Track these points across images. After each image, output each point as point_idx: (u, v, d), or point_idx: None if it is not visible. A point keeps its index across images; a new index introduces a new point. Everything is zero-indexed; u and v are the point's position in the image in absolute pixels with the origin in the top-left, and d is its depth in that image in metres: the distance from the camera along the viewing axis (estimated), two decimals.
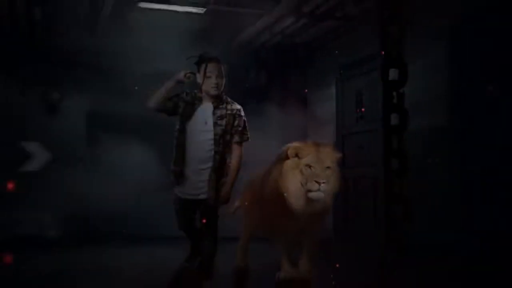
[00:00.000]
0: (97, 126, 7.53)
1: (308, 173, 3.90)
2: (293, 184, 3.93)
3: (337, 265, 4.77)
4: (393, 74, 6.26)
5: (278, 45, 7.99)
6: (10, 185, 7.02)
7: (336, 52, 7.28)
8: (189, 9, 6.59)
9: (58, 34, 7.01)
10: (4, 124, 7.26)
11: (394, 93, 5.67)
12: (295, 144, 4.03)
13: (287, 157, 4.02)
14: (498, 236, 4.96)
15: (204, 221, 3.97)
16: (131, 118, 7.15)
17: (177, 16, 6.70)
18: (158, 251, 6.01)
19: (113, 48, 7.04)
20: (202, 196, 3.92)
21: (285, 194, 3.96)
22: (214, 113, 3.93)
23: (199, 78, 3.95)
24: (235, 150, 3.97)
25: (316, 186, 3.83)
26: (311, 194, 3.86)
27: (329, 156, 3.98)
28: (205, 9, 6.60)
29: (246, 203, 4.75)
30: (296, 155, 3.98)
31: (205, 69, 3.90)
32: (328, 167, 3.94)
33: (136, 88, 6.45)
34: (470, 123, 5.48)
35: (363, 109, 7.19)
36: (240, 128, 3.97)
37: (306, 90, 7.89)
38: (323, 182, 3.84)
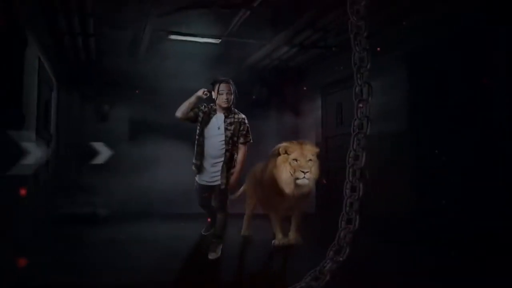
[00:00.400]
0: (137, 130, 7.66)
1: (295, 165, 4.14)
2: (284, 174, 4.17)
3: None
4: (362, 90, 6.40)
5: (276, 67, 8.03)
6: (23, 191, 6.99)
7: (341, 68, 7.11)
8: (208, 40, 6.64)
9: (108, 60, 7.14)
10: (68, 129, 7.45)
11: (363, 105, 5.75)
12: (284, 144, 4.26)
13: (279, 154, 4.25)
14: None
15: (217, 200, 4.13)
16: (163, 125, 7.18)
17: (199, 46, 6.78)
18: (186, 225, 6.02)
19: (149, 71, 7.21)
20: (216, 183, 4.05)
21: (278, 181, 4.21)
22: (225, 121, 4.05)
23: (214, 95, 4.08)
24: (241, 149, 4.08)
25: (302, 175, 4.09)
26: (298, 181, 4.12)
27: (310, 151, 4.21)
28: (220, 40, 6.65)
29: (250, 188, 4.94)
30: (286, 152, 4.22)
31: (218, 88, 4.02)
32: (310, 160, 4.17)
33: (137, 91, 6.48)
34: (423, 129, 5.51)
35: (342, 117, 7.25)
36: (244, 132, 4.08)
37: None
38: (307, 172, 4.10)
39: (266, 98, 8.23)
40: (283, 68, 8.06)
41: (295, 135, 7.57)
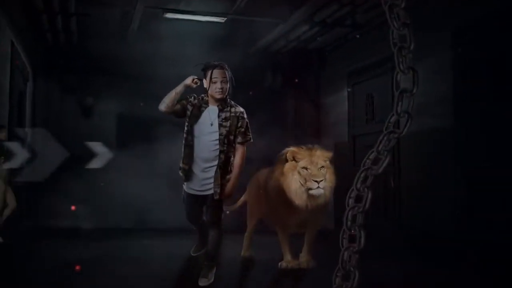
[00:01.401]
0: (126, 127, 7.66)
1: (305, 174, 4.15)
2: (293, 184, 4.18)
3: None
4: (402, 80, 6.23)
5: (293, 51, 7.98)
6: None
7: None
8: (211, 18, 6.61)
9: (93, 43, 7.16)
10: (46, 126, 7.42)
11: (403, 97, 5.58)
12: (292, 148, 4.26)
13: (286, 160, 4.25)
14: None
15: (210, 214, 3.97)
16: (158, 120, 7.12)
17: (200, 25, 6.75)
18: (172, 241, 6.05)
19: (142, 56, 7.19)
20: (208, 192, 3.90)
21: (287, 192, 4.16)
22: (219, 115, 3.89)
23: (205, 83, 3.93)
24: (238, 150, 3.93)
25: (315, 184, 4.11)
26: (312, 191, 4.12)
27: (322, 157, 4.22)
28: (225, 19, 6.62)
29: (252, 198, 4.86)
30: (293, 159, 4.22)
31: (211, 75, 3.87)
32: (322, 167, 4.17)
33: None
34: (473, 124, 5.37)
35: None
36: (243, 129, 3.92)
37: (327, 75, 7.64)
38: (321, 180, 4.11)
39: (280, 87, 8.17)
40: (301, 51, 8.01)
41: (315, 134, 7.51)
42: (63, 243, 5.93)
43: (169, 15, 6.50)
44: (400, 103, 3.04)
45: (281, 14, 6.54)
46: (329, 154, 4.28)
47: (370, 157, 3.13)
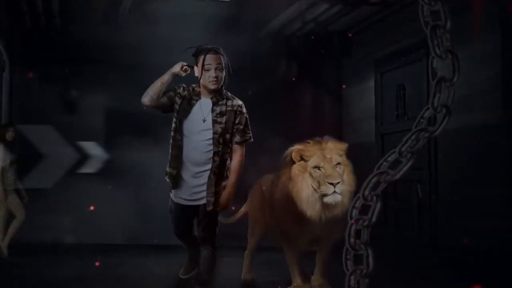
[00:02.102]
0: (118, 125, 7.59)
1: (318, 175, 3.93)
2: (304, 190, 3.96)
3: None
4: (440, 66, 6.06)
5: (311, 34, 7.91)
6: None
7: None
8: None
9: (77, 28, 7.16)
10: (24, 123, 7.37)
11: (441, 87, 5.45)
12: (297, 146, 4.08)
13: (292, 161, 4.06)
14: None
15: (202, 228, 3.88)
16: (153, 117, 7.17)
17: (201, 5, 6.68)
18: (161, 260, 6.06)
19: (134, 42, 7.13)
20: (200, 202, 3.82)
21: (297, 201, 3.96)
22: (213, 110, 3.80)
23: (197, 71, 3.84)
24: (236, 151, 3.84)
25: (331, 188, 3.85)
26: (326, 199, 3.88)
27: (335, 151, 4.01)
28: None
29: (254, 210, 4.77)
30: (302, 158, 4.02)
31: (204, 61, 3.77)
32: (338, 164, 3.95)
33: (145, 108, 6.48)
34: None
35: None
36: (241, 127, 3.83)
37: (344, 86, 7.61)
38: (338, 182, 3.85)
39: (296, 76, 8.05)
40: (320, 34, 7.91)
41: (336, 132, 7.35)
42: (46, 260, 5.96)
43: None
44: (437, 95, 2.83)
45: None
46: (344, 146, 4.05)
47: (389, 159, 2.92)
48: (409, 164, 2.85)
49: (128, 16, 7.10)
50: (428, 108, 2.91)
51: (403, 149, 2.92)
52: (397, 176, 2.92)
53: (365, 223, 2.93)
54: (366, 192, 2.95)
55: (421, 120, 2.89)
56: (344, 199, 3.89)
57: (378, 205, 2.94)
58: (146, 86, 7.38)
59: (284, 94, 7.42)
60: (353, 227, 2.91)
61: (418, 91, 6.68)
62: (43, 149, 7.25)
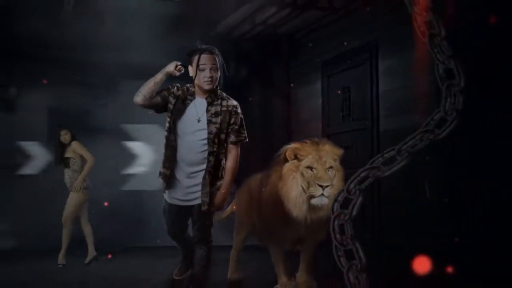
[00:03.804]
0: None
1: (309, 175, 3.94)
2: (293, 189, 3.97)
3: None
4: (385, 68, 6.39)
5: (260, 36, 7.99)
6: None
7: None
8: None
9: (17, 22, 6.77)
10: None
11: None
12: (293, 145, 4.06)
13: (286, 160, 4.05)
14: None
15: (196, 228, 3.86)
16: (96, 114, 7.13)
17: (150, 2, 6.59)
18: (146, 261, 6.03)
19: (78, 38, 6.98)
20: (195, 202, 3.81)
21: (284, 201, 3.97)
22: (208, 110, 3.79)
23: (191, 71, 3.81)
24: (231, 151, 3.85)
25: (319, 190, 3.86)
26: (314, 200, 3.89)
27: (331, 155, 4.01)
28: None
29: (241, 209, 4.77)
30: (296, 157, 4.01)
31: (198, 61, 3.75)
32: (330, 167, 3.96)
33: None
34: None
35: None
36: (236, 127, 3.84)
37: (292, 84, 7.73)
38: (327, 186, 3.85)
39: (244, 78, 8.11)
40: (269, 36, 8.02)
41: (284, 133, 7.54)
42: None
43: None
44: (448, 99, 3.06)
45: None
46: (340, 152, 4.08)
47: (386, 155, 3.12)
48: (402, 163, 3.05)
49: (71, 12, 6.83)
50: (439, 111, 3.14)
51: (403, 147, 3.13)
52: (387, 173, 3.11)
53: (347, 217, 3.10)
54: (351, 186, 3.13)
55: (431, 122, 3.11)
56: (330, 203, 3.85)
57: (360, 200, 3.12)
58: (89, 84, 7.30)
59: (232, 95, 7.47)
60: (336, 222, 3.07)
61: (362, 93, 6.86)
62: None
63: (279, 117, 8.05)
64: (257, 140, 7.04)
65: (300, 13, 7.18)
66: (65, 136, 6.14)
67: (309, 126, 7.80)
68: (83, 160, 6.11)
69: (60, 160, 6.15)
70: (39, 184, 7.00)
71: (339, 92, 7.36)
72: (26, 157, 7.31)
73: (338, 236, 3.12)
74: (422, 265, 4.46)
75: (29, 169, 7.22)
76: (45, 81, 7.38)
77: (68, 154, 6.13)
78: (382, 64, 6.55)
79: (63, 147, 6.13)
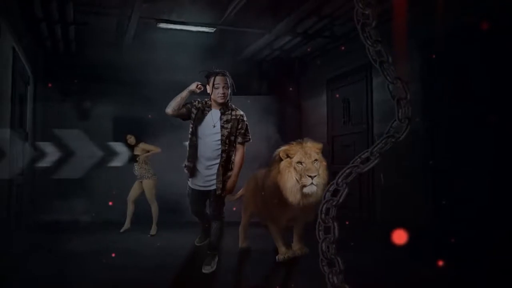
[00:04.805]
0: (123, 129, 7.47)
1: (300, 168, 4.01)
2: (289, 181, 4.05)
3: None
4: (377, 83, 6.43)
5: (277, 59, 7.99)
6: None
7: None
8: (201, 29, 6.57)
9: (90, 51, 7.06)
10: (45, 128, 7.34)
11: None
12: (283, 147, 4.15)
13: (280, 159, 4.14)
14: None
15: (212, 207, 4.04)
16: (151, 122, 7.21)
17: (191, 35, 6.72)
18: (178, 234, 6.04)
19: (136, 63, 7.12)
20: (211, 188, 3.98)
21: (282, 190, 4.07)
22: (221, 118, 3.97)
23: (208, 89, 4.00)
24: (239, 149, 4.02)
25: (309, 180, 3.95)
26: (305, 189, 3.98)
27: (313, 149, 4.09)
28: (214, 29, 6.60)
29: (248, 194, 4.86)
30: (287, 156, 4.10)
31: (214, 81, 3.93)
32: (315, 160, 4.04)
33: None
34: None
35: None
36: (242, 131, 4.01)
37: (338, 95, 7.53)
38: (315, 176, 3.95)
39: (266, 93, 8.21)
40: (285, 59, 8.03)
41: (297, 134, 7.48)
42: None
43: (162, 25, 6.46)
44: (400, 110, 3.19)
45: (266, 25, 6.54)
46: (320, 145, 4.14)
47: (362, 156, 3.27)
48: (376, 161, 3.20)
49: (131, 43, 7.04)
50: (395, 120, 3.27)
51: (374, 150, 3.26)
52: (365, 170, 3.27)
53: (334, 203, 3.26)
54: (340, 180, 3.28)
55: (390, 129, 3.24)
56: (318, 190, 3.98)
57: (346, 190, 3.27)
58: (145, 99, 7.39)
59: (257, 105, 7.52)
60: (325, 206, 3.24)
61: (359, 104, 6.85)
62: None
63: (292, 122, 8.07)
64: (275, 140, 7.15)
65: (309, 41, 7.22)
66: (130, 139, 6.43)
67: (316, 129, 7.79)
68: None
69: (132, 157, 6.43)
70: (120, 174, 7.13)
71: (337, 96, 7.34)
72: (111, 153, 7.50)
73: (323, 215, 3.25)
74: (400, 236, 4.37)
75: (116, 162, 7.38)
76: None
77: (136, 152, 6.38)
78: (375, 81, 6.56)
79: (131, 147, 6.41)
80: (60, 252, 4.90)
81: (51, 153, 7.25)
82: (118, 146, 7.36)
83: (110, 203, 6.84)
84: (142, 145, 6.41)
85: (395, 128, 3.18)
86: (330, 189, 3.36)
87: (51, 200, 6.92)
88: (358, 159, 3.27)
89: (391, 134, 3.17)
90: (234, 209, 5.26)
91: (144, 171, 6.33)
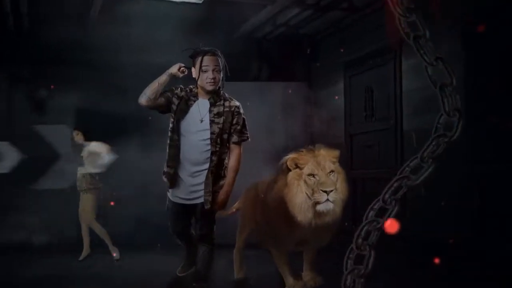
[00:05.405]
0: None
1: (312, 182, 3.96)
2: (298, 197, 3.99)
3: None
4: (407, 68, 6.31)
5: (282, 37, 8.00)
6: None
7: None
8: None
9: (46, 28, 6.94)
10: None
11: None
12: (291, 155, 4.10)
13: (288, 169, 4.08)
14: None
15: (200, 226, 3.91)
16: (124, 115, 7.18)
17: (174, 6, 6.58)
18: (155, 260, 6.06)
19: (105, 42, 7.06)
20: (198, 201, 3.86)
21: (290, 206, 3.99)
22: (210, 110, 3.84)
23: (194, 72, 3.86)
24: (234, 151, 3.89)
25: (324, 196, 3.89)
26: (319, 207, 3.91)
27: (329, 158, 4.05)
28: None
29: (247, 209, 4.80)
30: (297, 166, 4.04)
31: (201, 62, 3.80)
32: (331, 171, 3.99)
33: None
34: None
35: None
36: (238, 127, 3.88)
37: (337, 97, 7.66)
38: (331, 190, 3.89)
39: (267, 79, 8.11)
40: (292, 37, 8.00)
41: (305, 131, 7.51)
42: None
43: None
44: (445, 100, 2.96)
45: None
46: (336, 153, 4.10)
47: (411, 164, 3.04)
48: (430, 169, 2.97)
49: (100, 15, 6.92)
50: (442, 114, 3.04)
51: (425, 154, 3.04)
52: (418, 181, 3.03)
53: (378, 226, 3.03)
54: (387, 196, 3.05)
55: (438, 125, 3.02)
56: (336, 208, 3.95)
57: (396, 209, 3.04)
58: (116, 86, 7.36)
59: (255, 95, 7.43)
60: (366, 228, 3.01)
61: (385, 93, 6.78)
62: None
63: (300, 117, 7.97)
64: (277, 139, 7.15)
65: (321, 14, 7.15)
66: (76, 136, 6.36)
67: (331, 126, 7.75)
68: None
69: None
70: None
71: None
72: None
73: (360, 240, 3.04)
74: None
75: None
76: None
77: (83, 153, 6.33)
78: (405, 63, 6.43)
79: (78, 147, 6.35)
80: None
81: None
82: None
83: None
84: (93, 146, 6.25)
85: (443, 124, 2.96)
86: (375, 207, 3.12)
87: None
88: (407, 169, 3.05)
89: (442, 133, 2.95)
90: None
91: (84, 180, 6.19)
